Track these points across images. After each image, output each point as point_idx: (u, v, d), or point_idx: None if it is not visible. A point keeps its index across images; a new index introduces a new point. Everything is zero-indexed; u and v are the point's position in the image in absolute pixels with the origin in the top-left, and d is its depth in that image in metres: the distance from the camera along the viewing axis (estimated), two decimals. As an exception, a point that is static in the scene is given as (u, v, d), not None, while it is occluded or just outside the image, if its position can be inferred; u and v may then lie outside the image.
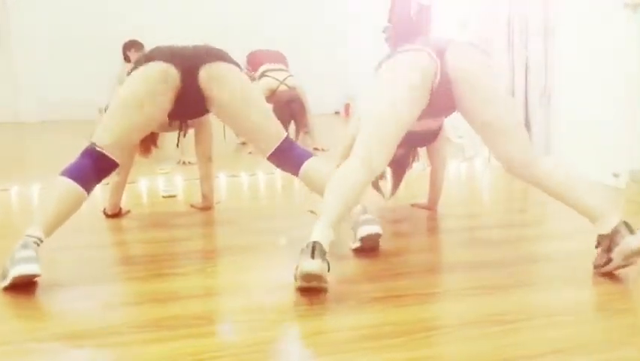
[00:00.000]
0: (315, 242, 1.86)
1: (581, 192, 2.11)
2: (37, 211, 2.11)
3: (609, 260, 2.01)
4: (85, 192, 2.17)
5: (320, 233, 1.90)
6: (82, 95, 6.95)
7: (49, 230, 2.06)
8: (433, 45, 2.21)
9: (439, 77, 2.17)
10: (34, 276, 1.93)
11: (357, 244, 2.28)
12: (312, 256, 1.82)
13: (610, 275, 2.05)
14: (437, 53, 2.18)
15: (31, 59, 7.41)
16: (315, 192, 2.43)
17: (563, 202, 2.15)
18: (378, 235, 2.27)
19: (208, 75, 2.41)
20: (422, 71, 2.16)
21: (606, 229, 2.02)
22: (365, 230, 2.24)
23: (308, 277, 1.83)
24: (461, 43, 2.23)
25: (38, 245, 1.99)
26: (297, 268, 1.88)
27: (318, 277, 1.84)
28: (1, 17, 7.40)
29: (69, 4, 7.44)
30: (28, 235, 1.99)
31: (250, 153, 4.83)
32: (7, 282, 1.92)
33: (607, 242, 2.01)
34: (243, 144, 5.17)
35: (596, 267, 2.08)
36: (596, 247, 2.08)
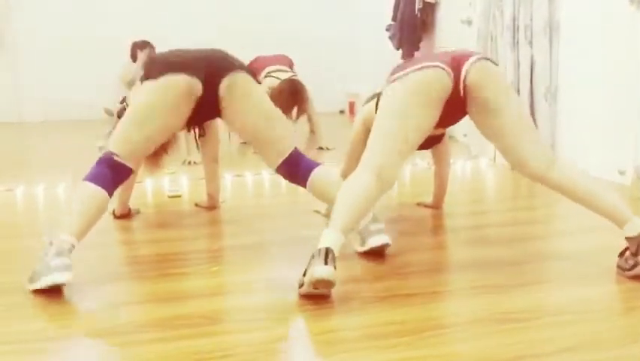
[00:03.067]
0: (327, 248, 1.84)
1: (607, 196, 2.08)
2: (65, 217, 2.11)
3: (636, 264, 1.98)
4: (109, 196, 2.18)
5: (331, 239, 1.88)
6: (84, 95, 6.97)
7: (80, 234, 2.05)
8: (446, 58, 2.18)
9: (452, 90, 2.14)
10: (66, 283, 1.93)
11: (364, 249, 2.26)
12: (326, 262, 1.80)
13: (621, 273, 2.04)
14: (452, 65, 2.15)
15: (33, 59, 7.42)
16: (324, 202, 2.44)
17: (586, 206, 2.12)
18: (387, 246, 2.25)
19: (228, 87, 2.39)
20: (438, 90, 2.13)
21: (634, 231, 2.00)
22: (375, 241, 2.22)
23: (319, 283, 1.80)
24: (476, 56, 2.20)
25: (70, 251, 1.98)
26: (305, 274, 1.85)
27: (329, 284, 1.82)
28: (3, 17, 7.41)
29: (71, 4, 7.45)
30: (62, 240, 1.98)
31: (255, 152, 4.82)
32: (39, 285, 1.91)
33: (634, 245, 1.99)
34: (245, 143, 5.15)
35: (620, 269, 2.05)
36: (623, 251, 2.05)
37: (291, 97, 5.07)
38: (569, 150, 3.92)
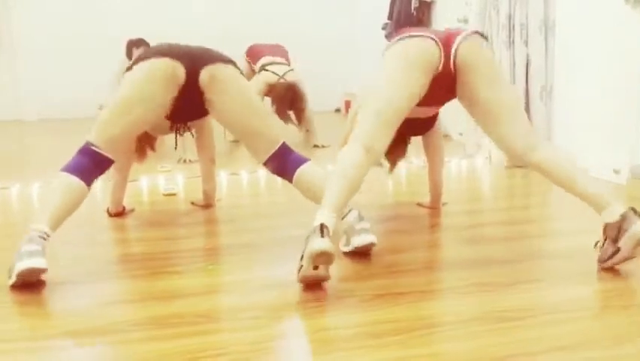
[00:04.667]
0: (322, 223, 1.86)
1: (587, 180, 2.11)
2: (40, 206, 2.11)
3: (617, 250, 1.98)
4: (86, 187, 2.18)
5: (325, 217, 1.90)
6: (83, 93, 6.94)
7: (54, 224, 2.06)
8: (438, 33, 2.22)
9: (442, 63, 2.18)
10: (40, 270, 1.92)
11: (349, 249, 2.25)
12: (322, 236, 1.82)
13: (614, 271, 2.04)
14: (443, 40, 2.19)
15: (32, 57, 7.40)
16: (309, 199, 2.41)
17: (567, 190, 2.13)
18: (372, 245, 2.24)
19: (209, 77, 2.38)
20: (425, 56, 2.17)
21: (614, 217, 1.99)
22: (360, 240, 2.21)
23: (319, 255, 1.81)
24: (468, 32, 2.23)
25: (45, 239, 1.98)
26: (302, 257, 1.86)
27: (328, 255, 1.82)
28: (2, 16, 7.39)
29: (70, 3, 7.43)
30: (33, 229, 1.99)
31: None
32: (14, 278, 1.91)
33: (614, 231, 1.99)
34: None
35: (601, 261, 2.06)
36: (600, 241, 2.07)
37: (291, 103, 5.11)
38: (564, 148, 3.93)
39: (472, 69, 2.18)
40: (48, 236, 2.01)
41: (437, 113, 2.78)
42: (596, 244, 2.10)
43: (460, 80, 2.22)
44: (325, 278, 1.91)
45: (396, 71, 2.18)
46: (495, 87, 2.19)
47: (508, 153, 2.24)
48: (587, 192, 2.07)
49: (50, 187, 2.18)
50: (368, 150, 2.09)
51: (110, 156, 2.28)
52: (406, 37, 2.23)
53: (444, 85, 2.23)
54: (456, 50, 2.17)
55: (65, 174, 2.16)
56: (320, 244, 1.80)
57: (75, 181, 2.15)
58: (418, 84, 2.17)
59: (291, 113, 5.25)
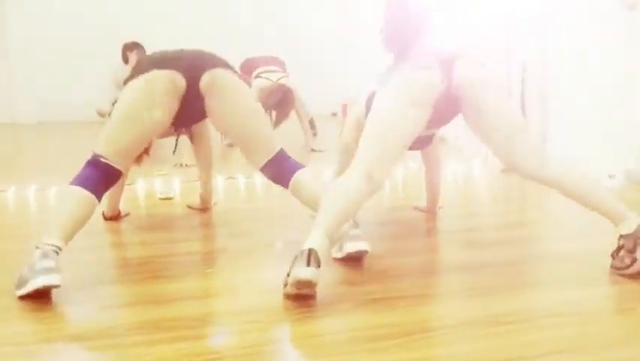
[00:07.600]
0: (310, 249, 1.83)
1: (602, 194, 2.10)
2: (52, 220, 2.10)
3: (634, 261, 1.99)
4: (96, 199, 2.16)
5: (316, 241, 1.88)
6: (80, 96, 6.95)
7: (67, 238, 2.03)
8: (439, 55, 2.16)
9: (444, 89, 2.13)
10: (55, 287, 1.90)
11: (340, 255, 2.22)
12: (308, 264, 1.80)
13: (612, 275, 2.03)
14: (443, 64, 2.13)
15: (29, 60, 7.41)
16: (304, 205, 2.39)
17: (580, 203, 2.13)
18: (365, 253, 2.21)
19: (210, 82, 2.36)
20: (427, 87, 2.12)
21: (630, 228, 2.01)
22: (352, 246, 2.19)
23: (301, 284, 1.81)
24: (468, 55, 2.20)
25: (57, 254, 1.96)
26: (288, 274, 1.85)
27: (310, 285, 1.82)
28: (-1, 19, 7.40)
29: (67, 5, 7.43)
30: (46, 244, 1.96)
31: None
32: (26, 291, 1.89)
33: (631, 242, 2.00)
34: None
35: (616, 269, 2.05)
36: (616, 251, 2.06)
37: (277, 103, 5.14)
38: (559, 153, 3.93)
39: (473, 93, 2.14)
40: (60, 250, 1.99)
41: (434, 134, 2.77)
42: (614, 254, 2.08)
43: (463, 100, 2.17)
44: (311, 296, 1.88)
45: (401, 107, 2.12)
46: (502, 105, 2.16)
47: (519, 173, 2.20)
48: (603, 205, 2.08)
49: (61, 201, 2.15)
50: (369, 179, 2.04)
51: (119, 167, 2.26)
52: (408, 70, 2.17)
53: (446, 107, 2.19)
54: (456, 74, 2.12)
55: (74, 187, 2.14)
56: (304, 273, 1.79)
57: (86, 195, 2.12)
58: (422, 119, 2.13)
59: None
